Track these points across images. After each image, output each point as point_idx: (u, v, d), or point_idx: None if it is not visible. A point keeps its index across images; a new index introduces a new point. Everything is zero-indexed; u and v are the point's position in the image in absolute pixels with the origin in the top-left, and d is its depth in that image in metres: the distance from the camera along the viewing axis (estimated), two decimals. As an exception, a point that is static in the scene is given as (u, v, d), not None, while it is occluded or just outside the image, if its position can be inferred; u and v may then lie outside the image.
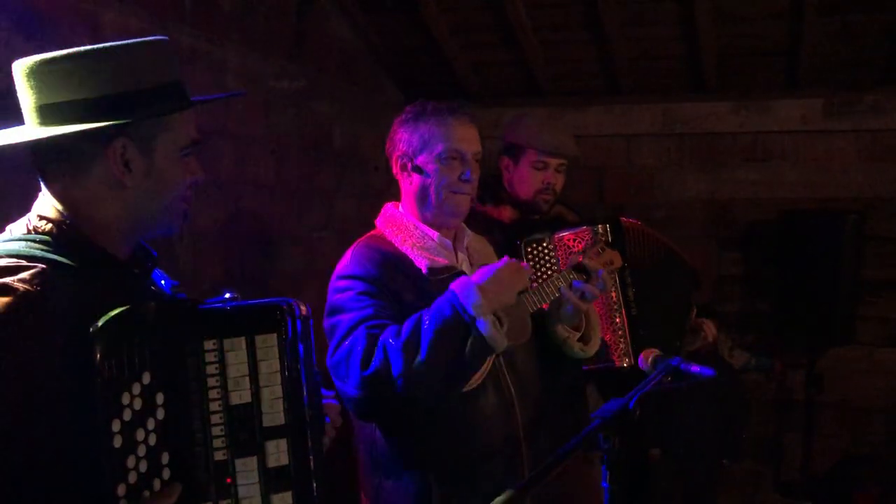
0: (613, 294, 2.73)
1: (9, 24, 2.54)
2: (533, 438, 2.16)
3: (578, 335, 2.40)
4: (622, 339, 2.73)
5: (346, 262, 2.16)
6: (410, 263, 2.15)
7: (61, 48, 1.34)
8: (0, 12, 2.52)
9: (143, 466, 1.19)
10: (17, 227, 1.35)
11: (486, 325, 1.89)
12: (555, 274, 2.47)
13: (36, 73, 1.33)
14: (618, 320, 2.73)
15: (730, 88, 4.76)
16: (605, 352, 2.70)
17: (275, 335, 1.29)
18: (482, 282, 1.96)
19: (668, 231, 3.21)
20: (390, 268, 2.12)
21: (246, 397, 1.27)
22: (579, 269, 2.31)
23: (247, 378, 1.27)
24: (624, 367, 2.69)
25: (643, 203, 4.93)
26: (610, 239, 2.74)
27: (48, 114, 1.33)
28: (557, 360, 2.42)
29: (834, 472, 4.62)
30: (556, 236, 2.81)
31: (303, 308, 1.38)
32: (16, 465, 1.14)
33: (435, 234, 2.22)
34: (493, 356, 2.04)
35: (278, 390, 1.28)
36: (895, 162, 4.60)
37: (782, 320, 4.56)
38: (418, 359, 1.85)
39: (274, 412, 1.28)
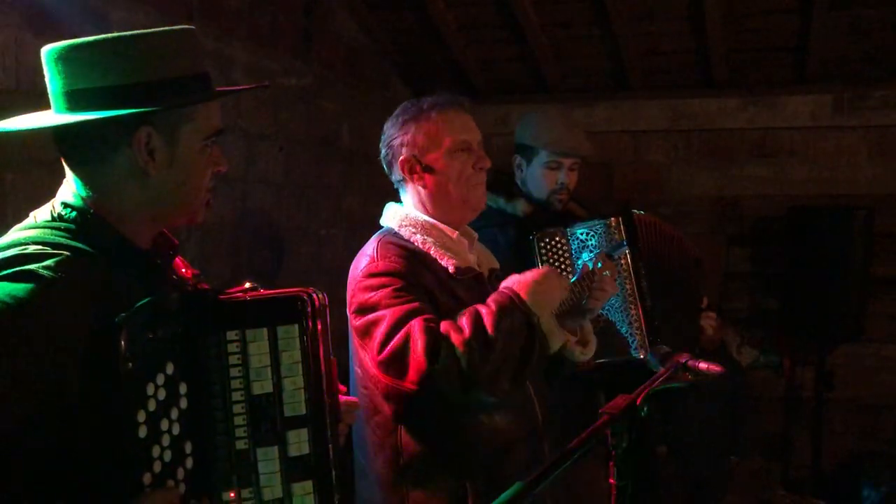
0: (629, 285, 2.73)
1: (18, 21, 2.55)
2: (551, 434, 2.16)
3: (576, 339, 2.37)
4: (638, 332, 2.72)
5: (373, 260, 2.06)
6: (435, 262, 2.10)
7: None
8: (9, 10, 2.53)
9: (167, 456, 1.20)
10: (42, 214, 1.36)
11: (549, 324, 1.93)
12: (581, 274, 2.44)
13: (65, 59, 1.32)
14: (633, 312, 2.73)
15: (738, 84, 4.75)
16: (621, 344, 2.70)
17: (296, 326, 1.30)
18: (538, 282, 1.99)
19: (677, 227, 3.20)
20: (419, 265, 2.06)
21: (268, 387, 1.28)
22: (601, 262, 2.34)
23: (268, 369, 1.28)
24: (640, 358, 2.68)
25: (651, 199, 4.92)
26: (623, 231, 2.74)
27: (75, 99, 1.32)
28: (557, 363, 2.40)
29: (843, 469, 4.60)
30: (569, 230, 2.81)
31: (321, 298, 1.39)
32: (37, 451, 1.14)
33: (455, 233, 2.18)
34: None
35: (300, 381, 1.30)
36: (905, 158, 4.58)
37: (791, 317, 4.54)
38: (491, 355, 1.84)
39: (295, 402, 1.29)
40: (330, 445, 1.33)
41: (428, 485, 2.03)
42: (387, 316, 1.91)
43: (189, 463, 1.25)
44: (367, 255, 2.09)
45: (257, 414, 1.28)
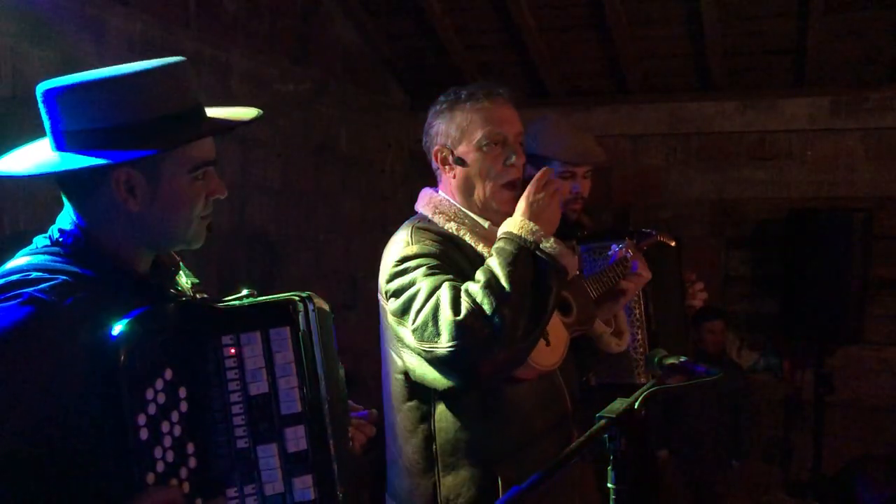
0: (637, 310, 2.71)
1: (16, 31, 2.55)
2: (579, 424, 2.16)
3: (611, 330, 2.43)
4: (642, 357, 2.71)
5: (407, 244, 2.04)
6: (471, 248, 2.08)
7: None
8: (7, 19, 2.53)
9: (169, 456, 1.27)
10: (41, 240, 1.43)
11: (549, 245, 1.92)
12: (609, 266, 2.47)
13: (57, 99, 1.39)
14: (640, 337, 2.72)
15: (736, 87, 4.75)
16: (625, 368, 2.69)
17: (287, 328, 1.37)
18: (527, 212, 1.98)
19: (676, 231, 3.19)
20: (454, 248, 2.05)
21: (263, 388, 1.35)
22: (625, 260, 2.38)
23: (263, 370, 1.35)
24: (643, 382, 2.67)
25: (650, 203, 4.92)
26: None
27: (67, 139, 1.39)
28: (590, 353, 2.45)
29: (843, 472, 4.60)
30: (582, 247, 2.78)
31: (319, 302, 1.44)
32: (41, 469, 1.22)
33: (487, 223, 2.14)
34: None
35: (293, 380, 1.36)
36: (903, 160, 4.58)
37: (790, 320, 4.54)
38: (504, 291, 1.83)
39: (290, 400, 1.36)
40: (331, 441, 1.39)
41: (459, 471, 2.04)
42: (422, 287, 1.91)
43: (192, 462, 1.31)
44: (399, 242, 2.07)
45: (255, 413, 1.35)
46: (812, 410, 4.65)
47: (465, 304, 1.83)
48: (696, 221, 4.86)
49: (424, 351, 1.89)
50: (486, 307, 1.82)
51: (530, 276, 1.90)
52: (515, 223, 1.96)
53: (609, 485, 1.55)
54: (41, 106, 1.42)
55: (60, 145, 1.40)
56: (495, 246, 1.95)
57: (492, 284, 1.85)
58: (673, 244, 2.85)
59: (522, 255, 1.90)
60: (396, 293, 1.97)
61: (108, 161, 1.35)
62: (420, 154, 2.26)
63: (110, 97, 1.37)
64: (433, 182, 2.24)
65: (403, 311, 1.94)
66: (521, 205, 2.00)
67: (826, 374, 4.60)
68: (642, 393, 1.64)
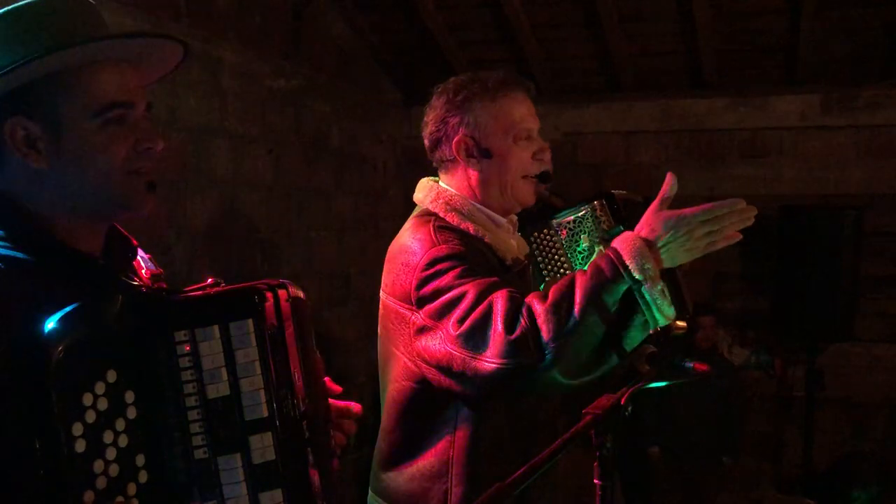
0: None
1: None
2: (567, 416, 2.11)
3: None
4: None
5: (434, 244, 1.87)
6: (490, 250, 1.95)
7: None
8: (-5, 12, 2.51)
9: (113, 470, 1.11)
10: None
11: (655, 292, 1.62)
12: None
13: None
14: None
15: (728, 85, 4.76)
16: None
17: (250, 321, 1.17)
18: (659, 239, 1.67)
19: (636, 192, 3.18)
20: (474, 251, 1.91)
21: (224, 390, 1.17)
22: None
23: (223, 369, 1.17)
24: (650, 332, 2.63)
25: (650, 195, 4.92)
26: (609, 215, 2.69)
27: None
28: None
29: (834, 468, 4.61)
30: (556, 221, 2.77)
31: (294, 290, 1.28)
32: None
33: (502, 220, 2.03)
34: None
35: (258, 380, 1.18)
36: (894, 158, 4.59)
37: (782, 317, 4.55)
38: (571, 321, 1.61)
39: (255, 404, 1.18)
40: (309, 448, 1.23)
41: (475, 481, 1.92)
42: (469, 290, 1.73)
43: (143, 477, 1.14)
44: (419, 241, 1.90)
45: (215, 419, 1.16)
46: (803, 407, 4.66)
47: (522, 322, 1.65)
48: (687, 219, 4.86)
49: (465, 359, 1.73)
50: (545, 332, 1.62)
51: (613, 314, 1.64)
52: (636, 247, 1.65)
53: (595, 481, 1.54)
54: None
55: None
56: (595, 264, 1.68)
57: (563, 309, 1.63)
58: (641, 200, 2.83)
59: (616, 290, 1.63)
60: (432, 297, 1.80)
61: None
62: (413, 150, 2.18)
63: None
64: (427, 176, 2.11)
65: (442, 315, 1.78)
66: (659, 223, 1.70)
67: (817, 371, 4.62)
68: (628, 388, 1.62)
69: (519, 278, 1.92)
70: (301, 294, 1.30)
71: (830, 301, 4.34)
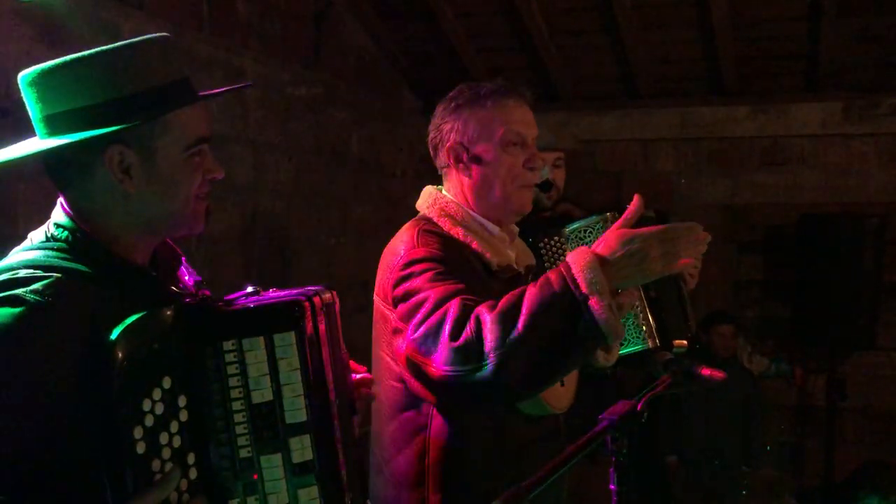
0: (638, 304, 2.70)
1: (31, 34, 2.58)
2: (570, 430, 2.10)
3: None
4: (644, 323, 2.69)
5: (413, 247, 1.92)
6: (477, 256, 1.96)
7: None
8: (22, 22, 2.56)
9: (168, 468, 1.21)
10: (37, 235, 1.37)
11: (602, 308, 1.57)
12: None
13: (38, 84, 1.34)
14: (637, 304, 2.70)
15: (748, 92, 4.74)
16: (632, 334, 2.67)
17: (292, 333, 1.29)
18: (612, 251, 1.64)
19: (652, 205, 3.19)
20: (458, 256, 1.93)
21: (268, 395, 1.28)
22: None
23: (267, 377, 1.28)
24: (649, 347, 2.63)
25: (661, 208, 4.90)
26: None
27: (53, 124, 1.33)
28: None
29: (853, 478, 4.57)
30: (567, 230, 2.79)
31: (327, 296, 1.38)
32: (32, 479, 1.16)
33: (496, 229, 2.04)
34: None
35: (299, 388, 1.29)
36: (916, 165, 4.56)
37: (802, 325, 4.52)
38: (514, 332, 1.60)
39: (295, 409, 1.29)
40: (340, 447, 1.33)
41: (449, 488, 1.94)
42: (430, 296, 1.78)
43: (193, 473, 1.25)
44: (404, 243, 1.96)
45: (259, 422, 1.29)
46: (824, 417, 4.63)
47: (466, 331, 1.66)
48: (707, 227, 4.78)
49: (421, 363, 1.77)
50: (488, 342, 1.63)
51: (559, 329, 1.61)
52: (587, 261, 1.62)
53: (611, 486, 1.54)
54: (24, 94, 1.36)
55: (49, 130, 1.34)
56: (546, 276, 1.67)
57: (507, 319, 1.63)
58: (652, 215, 2.82)
59: (562, 305, 1.61)
60: (403, 298, 1.85)
61: (88, 135, 1.28)
62: (431, 158, 2.20)
63: (90, 73, 1.31)
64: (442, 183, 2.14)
65: (408, 317, 1.82)
66: (615, 241, 1.67)
67: (838, 380, 4.58)
68: (644, 394, 1.61)
69: (508, 286, 1.87)
70: (332, 297, 1.42)
71: (852, 309, 4.31)
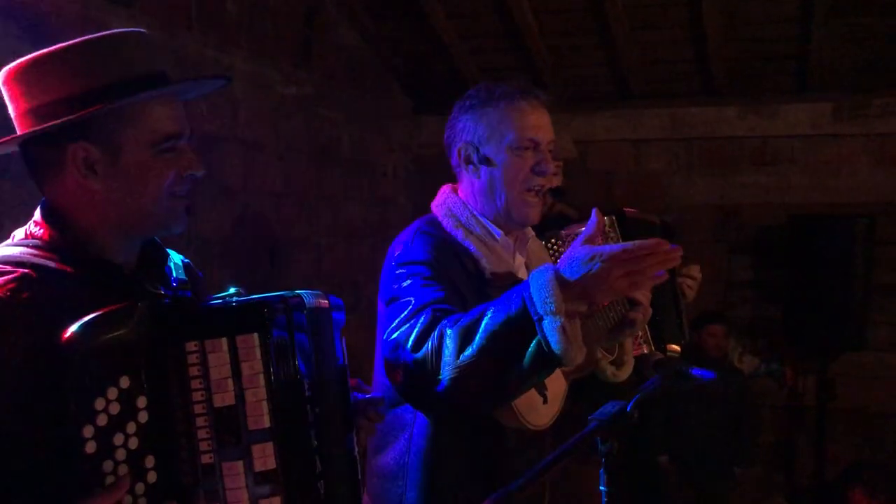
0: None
1: (18, 32, 2.56)
2: (558, 435, 2.09)
3: (611, 358, 2.22)
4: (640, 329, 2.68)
5: (406, 249, 1.92)
6: (473, 261, 1.94)
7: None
8: (8, 20, 2.54)
9: (122, 470, 1.18)
10: (19, 233, 1.36)
11: (553, 328, 1.57)
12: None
13: (14, 80, 1.32)
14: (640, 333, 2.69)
15: (739, 93, 4.75)
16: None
17: (255, 335, 1.23)
18: (572, 270, 1.61)
19: (677, 236, 3.18)
20: (453, 259, 1.91)
21: (230, 399, 1.23)
22: None
23: (229, 380, 1.23)
24: (644, 353, 2.62)
25: (652, 208, 4.89)
26: (617, 231, 2.68)
27: (27, 119, 1.32)
28: (585, 385, 2.23)
29: (843, 477, 4.58)
30: (564, 232, 2.77)
31: (322, 301, 1.35)
32: None
33: (499, 233, 2.00)
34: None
35: (261, 392, 1.23)
36: (906, 166, 4.58)
37: (793, 326, 4.53)
38: (468, 351, 1.60)
39: (258, 415, 1.23)
40: (317, 457, 1.28)
41: (425, 487, 1.94)
42: (409, 302, 1.78)
43: (151, 477, 1.21)
44: (401, 243, 1.96)
45: (221, 427, 1.23)
46: (814, 417, 4.64)
47: (427, 344, 1.66)
48: (698, 227, 4.85)
49: (388, 366, 1.79)
50: (445, 356, 1.63)
51: (515, 345, 1.61)
52: (545, 280, 1.60)
53: (601, 487, 1.53)
54: (3, 91, 1.34)
55: (22, 125, 1.32)
56: (508, 293, 1.66)
57: (465, 336, 1.62)
58: (658, 222, 2.81)
59: (519, 324, 1.60)
60: (391, 298, 1.87)
61: (43, 127, 1.26)
62: (422, 158, 2.18)
63: (63, 67, 1.29)
64: (436, 186, 2.13)
65: (390, 318, 1.82)
66: (576, 260, 1.63)
67: (828, 380, 4.59)
68: (635, 395, 1.61)
69: (502, 291, 1.84)
70: (324, 303, 1.38)
71: (842, 310, 4.32)
